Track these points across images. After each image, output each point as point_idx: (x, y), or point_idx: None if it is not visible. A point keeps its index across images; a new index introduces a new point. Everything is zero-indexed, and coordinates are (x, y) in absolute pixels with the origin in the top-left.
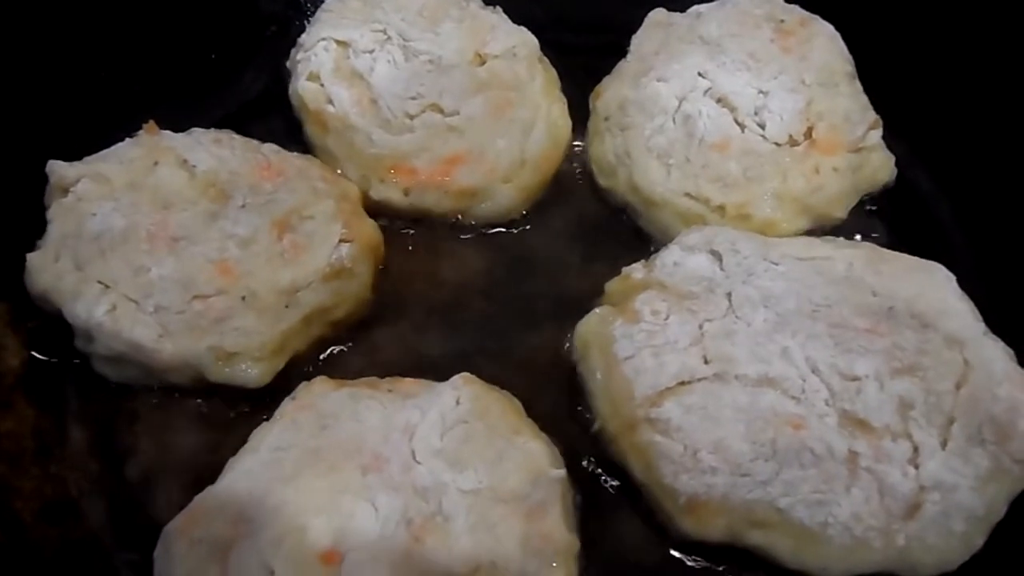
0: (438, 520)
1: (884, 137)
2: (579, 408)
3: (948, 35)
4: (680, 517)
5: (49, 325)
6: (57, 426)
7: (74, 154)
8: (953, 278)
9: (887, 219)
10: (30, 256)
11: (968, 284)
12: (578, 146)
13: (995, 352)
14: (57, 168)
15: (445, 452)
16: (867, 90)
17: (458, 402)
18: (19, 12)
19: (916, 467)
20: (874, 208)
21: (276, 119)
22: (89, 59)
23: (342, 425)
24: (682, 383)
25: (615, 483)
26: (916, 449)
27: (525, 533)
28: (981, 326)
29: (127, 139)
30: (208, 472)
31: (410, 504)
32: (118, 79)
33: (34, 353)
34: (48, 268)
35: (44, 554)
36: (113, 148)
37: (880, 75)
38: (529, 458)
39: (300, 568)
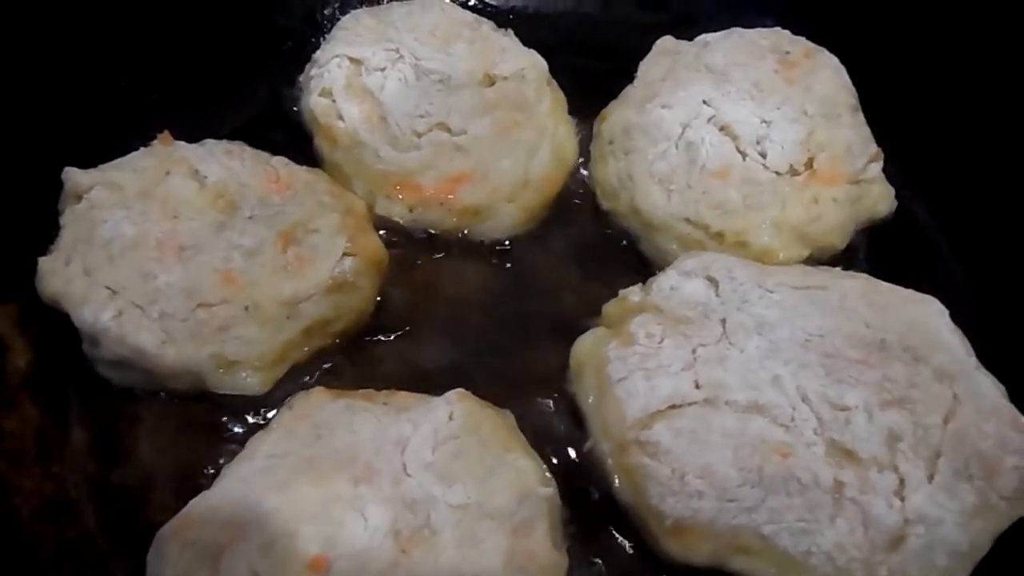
0: (425, 533)
1: (886, 169)
2: (572, 427)
3: (955, 71)
4: (666, 540)
5: (56, 328)
6: (59, 427)
7: (92, 161)
8: (946, 312)
9: (885, 251)
10: (42, 260)
11: (964, 318)
12: (583, 168)
13: (985, 387)
14: (72, 175)
15: (436, 466)
16: (871, 123)
17: (451, 417)
18: (44, 22)
19: (902, 499)
20: (873, 240)
21: (288, 133)
22: (109, 68)
23: (336, 436)
24: (673, 407)
25: (604, 504)
26: (902, 481)
27: (510, 549)
28: (973, 360)
29: (141, 148)
30: (205, 477)
31: (399, 516)
32: (136, 89)
33: (39, 357)
34: (58, 272)
35: (39, 553)
36: (128, 157)
37: (885, 108)
38: (518, 475)
39: (287, 575)
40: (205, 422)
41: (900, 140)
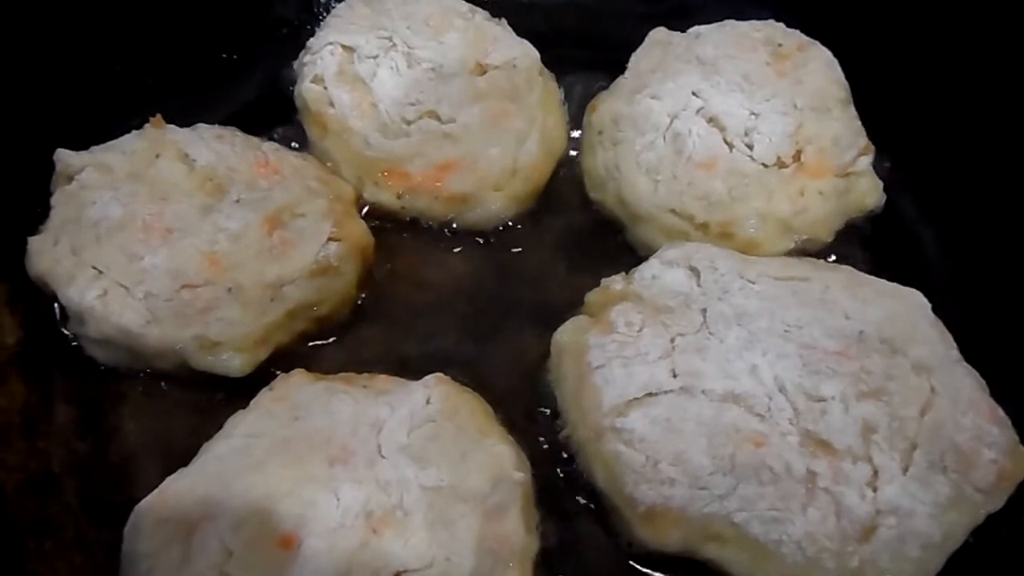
0: (398, 514)
1: (876, 163)
2: (550, 414)
3: (949, 67)
4: (638, 526)
5: (45, 306)
6: (45, 404)
7: (87, 144)
8: (928, 304)
9: (872, 244)
10: (31, 240)
11: (948, 311)
12: (573, 158)
13: (964, 380)
14: (63, 156)
15: (411, 449)
16: (863, 117)
17: (428, 401)
18: (41, 5)
19: (874, 490)
20: (860, 232)
21: (282, 119)
22: (104, 52)
23: (314, 417)
24: (649, 394)
25: (579, 490)
26: (876, 472)
27: (482, 533)
28: (953, 353)
29: (133, 131)
30: (186, 456)
31: (372, 497)
32: (132, 73)
33: (28, 335)
34: (47, 252)
35: (21, 526)
36: (119, 139)
37: (877, 103)
38: (493, 459)
39: (257, 551)
40: (188, 401)
41: (892, 134)
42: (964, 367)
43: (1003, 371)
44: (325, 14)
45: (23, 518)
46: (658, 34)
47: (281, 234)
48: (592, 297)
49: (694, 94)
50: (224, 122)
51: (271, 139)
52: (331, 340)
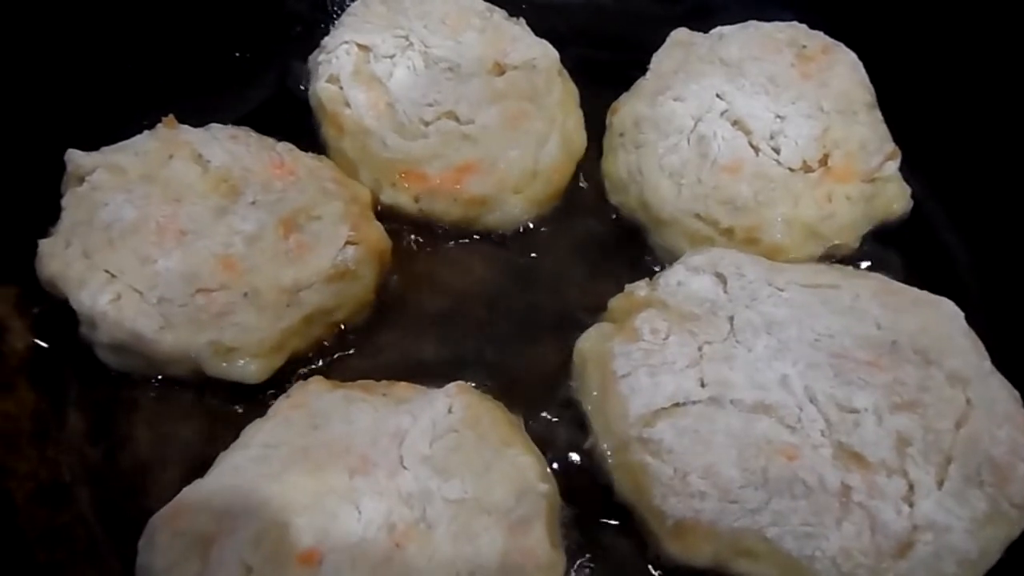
0: (421, 527)
1: (903, 169)
2: (574, 424)
3: (975, 70)
4: (667, 540)
5: (56, 311)
6: (56, 411)
7: (98, 144)
8: (961, 314)
9: (901, 251)
10: (42, 242)
11: (979, 321)
12: (594, 161)
13: (999, 392)
14: (75, 157)
15: (433, 459)
16: (889, 121)
17: (450, 410)
18: (53, 4)
19: (910, 505)
20: (888, 239)
21: (296, 119)
22: (115, 51)
23: (333, 426)
24: (677, 404)
25: (605, 502)
26: (911, 487)
27: (507, 546)
28: (987, 365)
29: (145, 132)
30: (201, 465)
31: (394, 509)
32: (144, 72)
33: (38, 340)
34: (58, 255)
35: (32, 536)
36: (131, 140)
37: (904, 107)
38: (517, 471)
39: (278, 567)
40: (202, 409)
41: (918, 139)
42: (998, 378)
43: None
44: (340, 12)
45: (33, 528)
46: (680, 34)
47: (297, 237)
48: (615, 303)
49: (718, 96)
50: (237, 122)
51: (285, 139)
52: (348, 346)
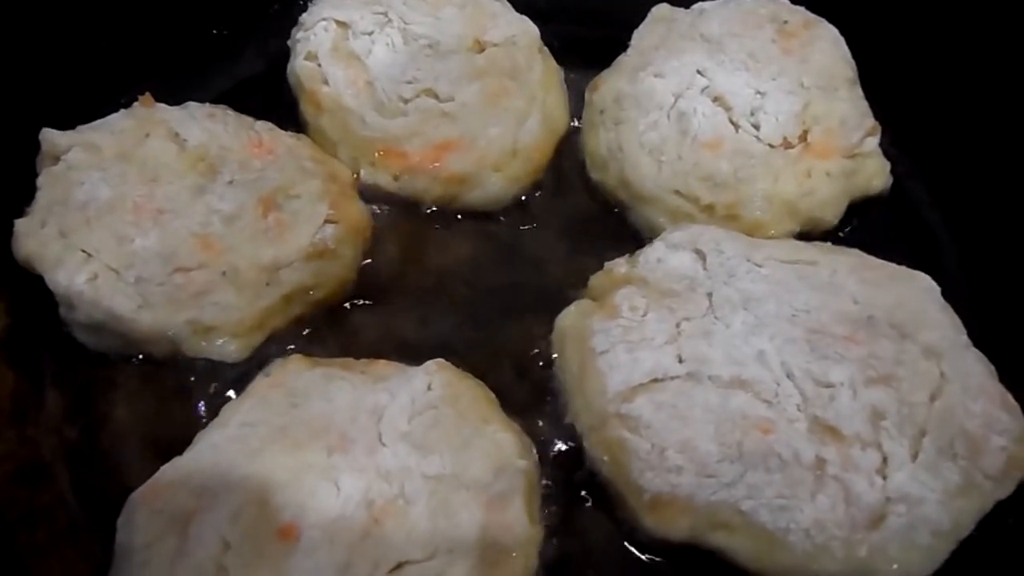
0: (399, 503)
1: (883, 144)
2: (553, 400)
3: (956, 46)
4: (644, 515)
5: (33, 291)
6: (35, 391)
7: (73, 123)
8: (937, 289)
9: (880, 226)
10: (17, 222)
11: (957, 296)
12: (575, 138)
13: (974, 366)
14: (49, 136)
15: (412, 436)
16: (871, 98)
17: (429, 387)
18: None
19: (884, 477)
20: (869, 216)
21: (275, 97)
22: (91, 28)
23: (311, 404)
24: (655, 380)
25: (584, 477)
26: (885, 459)
27: (485, 522)
28: (963, 338)
29: (122, 110)
30: (180, 444)
31: (373, 486)
32: (120, 50)
33: (15, 320)
34: (33, 235)
35: (11, 517)
36: (107, 118)
37: (886, 83)
38: (496, 447)
39: (256, 542)
40: (181, 388)
41: (898, 115)
42: (974, 352)
43: (1012, 357)
44: None
45: (14, 509)
46: (661, 10)
47: (276, 216)
48: (595, 281)
49: (699, 72)
50: (215, 100)
51: (263, 118)
52: (328, 324)
